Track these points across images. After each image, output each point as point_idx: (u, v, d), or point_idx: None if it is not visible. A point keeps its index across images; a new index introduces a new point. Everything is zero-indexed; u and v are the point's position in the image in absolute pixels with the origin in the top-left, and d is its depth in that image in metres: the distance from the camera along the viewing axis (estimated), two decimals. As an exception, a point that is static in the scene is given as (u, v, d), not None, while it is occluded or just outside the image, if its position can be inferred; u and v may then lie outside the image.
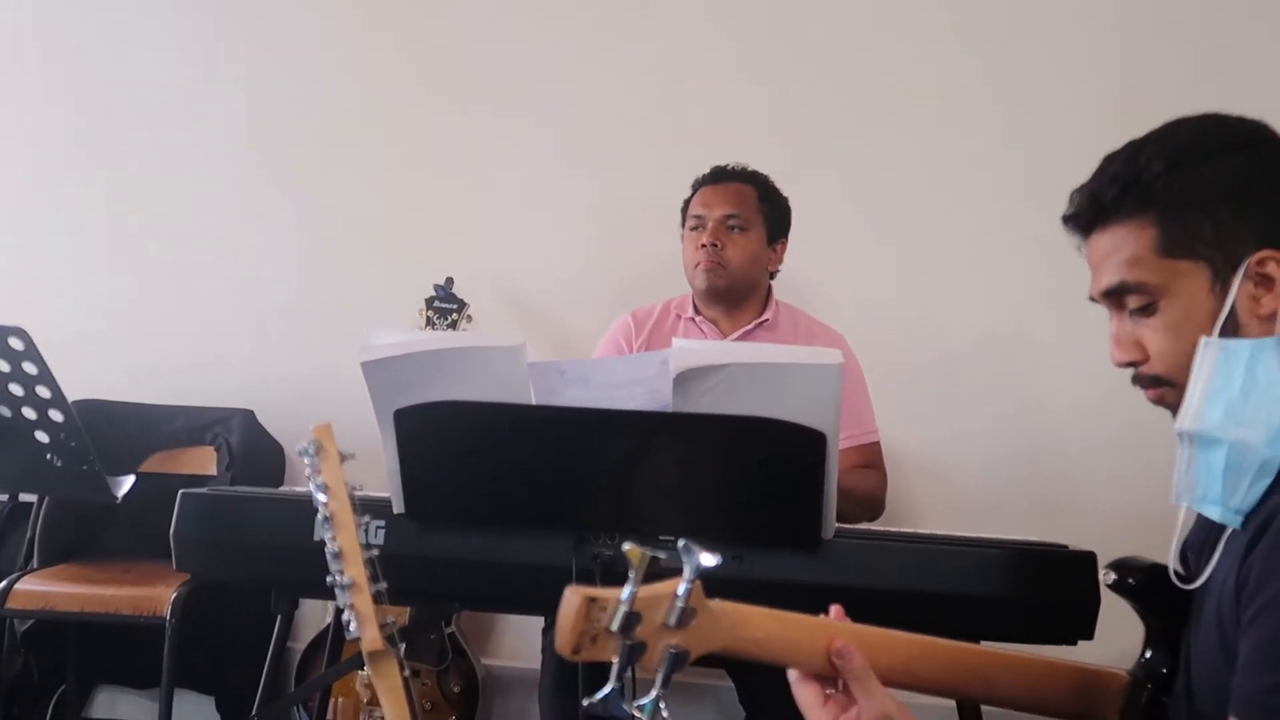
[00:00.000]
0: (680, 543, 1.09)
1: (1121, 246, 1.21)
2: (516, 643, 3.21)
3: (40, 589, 2.89)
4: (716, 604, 1.14)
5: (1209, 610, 1.20)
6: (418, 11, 3.27)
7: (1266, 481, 1.15)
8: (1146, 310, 1.21)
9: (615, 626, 1.08)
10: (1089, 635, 1.70)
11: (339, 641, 2.78)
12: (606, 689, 1.11)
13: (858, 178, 3.05)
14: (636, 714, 1.11)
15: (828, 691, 1.18)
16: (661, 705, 1.12)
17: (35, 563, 3.04)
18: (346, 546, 1.23)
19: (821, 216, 2.88)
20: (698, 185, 2.68)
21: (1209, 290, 1.18)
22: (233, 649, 3.04)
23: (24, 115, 3.47)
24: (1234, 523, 1.17)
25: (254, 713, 2.17)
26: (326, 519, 1.25)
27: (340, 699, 2.95)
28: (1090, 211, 1.24)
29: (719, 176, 2.66)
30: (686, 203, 2.68)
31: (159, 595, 2.80)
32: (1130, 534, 1.28)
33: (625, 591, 1.08)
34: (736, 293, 2.61)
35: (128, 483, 1.90)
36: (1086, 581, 1.66)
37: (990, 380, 2.98)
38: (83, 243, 3.44)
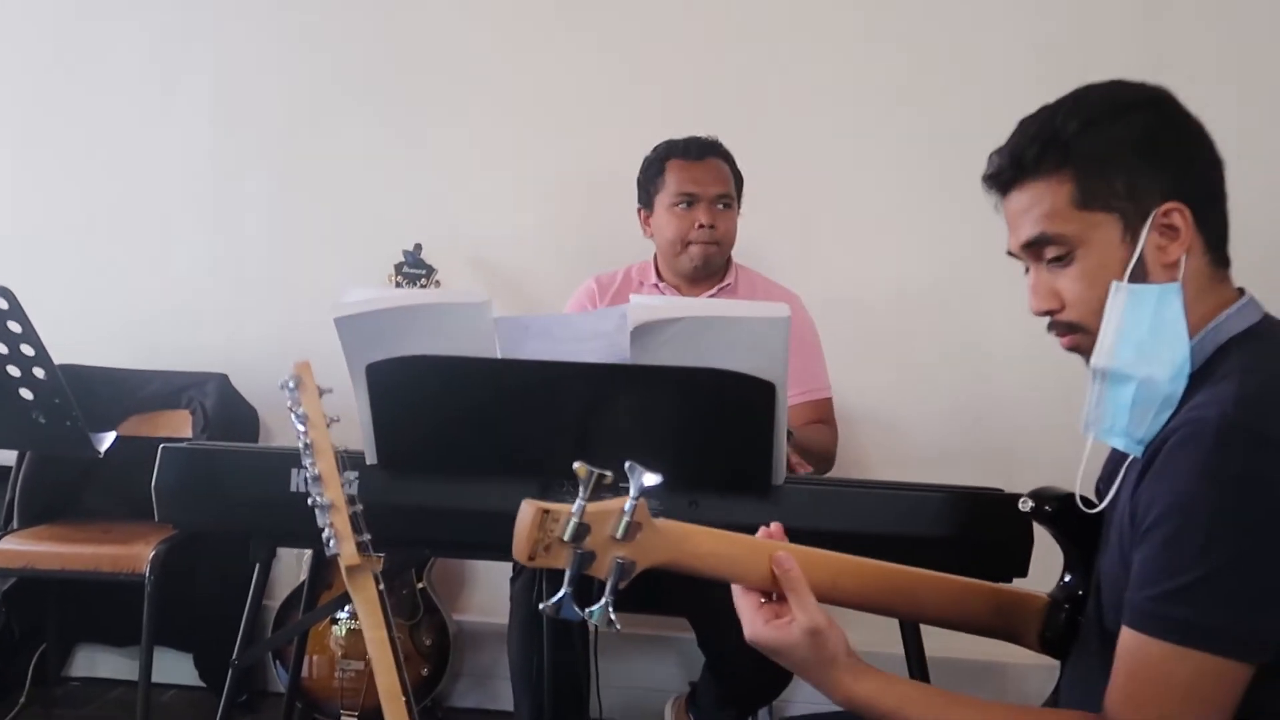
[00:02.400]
0: (626, 463, 1.18)
1: (1040, 201, 1.28)
2: (485, 598, 3.25)
3: (20, 548, 2.93)
4: (661, 521, 1.23)
5: (1113, 533, 1.28)
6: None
7: (1167, 414, 1.23)
8: (1063, 260, 1.28)
9: (567, 536, 1.18)
10: (1023, 573, 1.77)
11: (315, 592, 2.87)
12: (559, 594, 1.21)
13: (807, 147, 3.09)
14: (586, 617, 1.21)
15: (762, 600, 1.27)
16: (610, 610, 1.21)
17: (15, 523, 3.07)
18: (325, 471, 1.31)
19: (775, 184, 2.94)
20: (671, 155, 2.68)
21: (1120, 240, 1.25)
22: (210, 607, 3.06)
23: (1, 82, 3.47)
24: (1136, 452, 1.26)
25: (233, 657, 2.24)
26: (307, 445, 1.33)
27: (315, 656, 3.00)
28: (1011, 169, 1.31)
29: (703, 151, 2.67)
30: (656, 173, 2.69)
31: (138, 553, 2.84)
32: (1069, 475, 1.37)
33: (575, 504, 1.18)
34: (715, 267, 2.68)
35: (109, 439, 1.95)
36: (1020, 523, 1.71)
37: (934, 336, 3.06)
38: (59, 208, 3.44)
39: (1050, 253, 1.30)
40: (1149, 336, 1.24)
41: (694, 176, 2.64)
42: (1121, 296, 1.25)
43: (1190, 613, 1.13)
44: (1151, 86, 1.31)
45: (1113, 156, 1.25)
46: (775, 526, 1.33)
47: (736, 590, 1.29)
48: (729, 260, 2.75)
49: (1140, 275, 1.25)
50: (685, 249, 2.63)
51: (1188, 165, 1.27)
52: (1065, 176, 1.27)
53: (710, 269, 2.67)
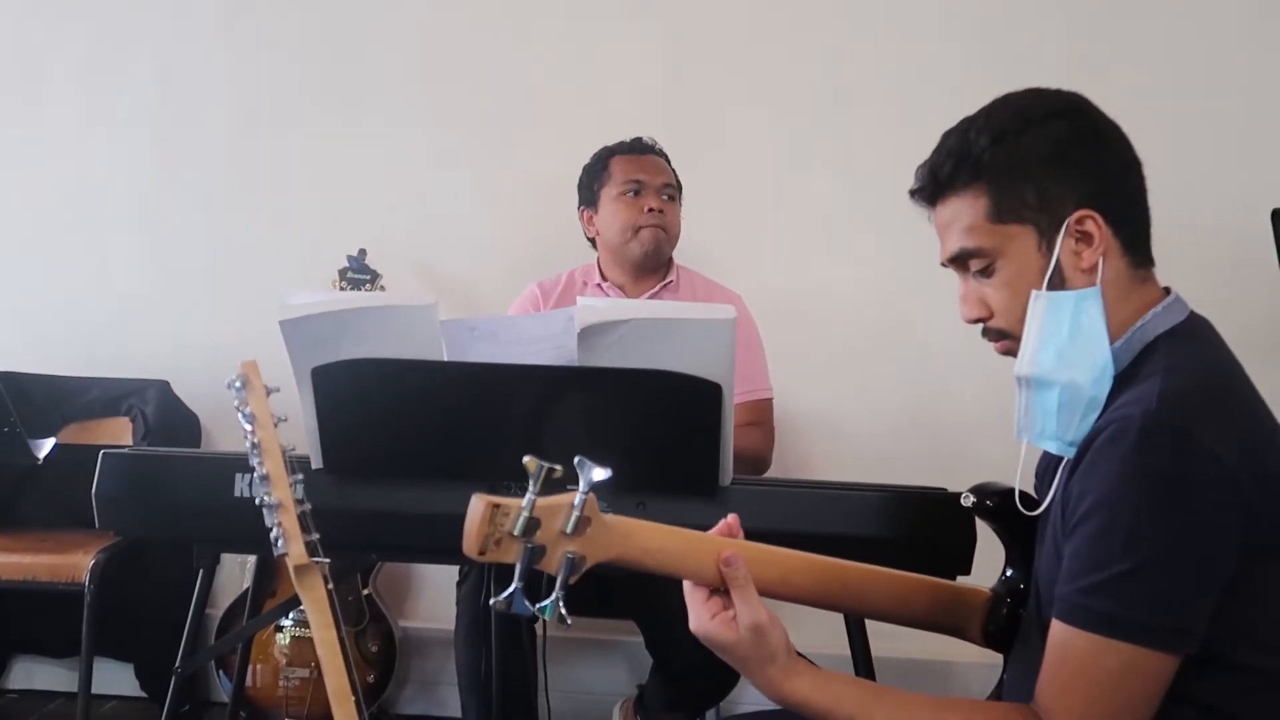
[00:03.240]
0: (576, 459, 1.19)
1: (960, 216, 1.32)
2: (431, 605, 3.24)
3: (-45, 558, 2.90)
4: (610, 517, 1.24)
5: (1047, 529, 1.31)
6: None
7: (1095, 415, 1.26)
8: (986, 272, 1.32)
9: (517, 531, 1.18)
10: (966, 570, 1.79)
11: (259, 599, 2.84)
12: (510, 589, 1.21)
13: (751, 153, 3.12)
14: (538, 612, 1.21)
15: (710, 594, 1.28)
16: (561, 605, 1.21)
17: (-51, 533, 3.03)
18: (273, 470, 1.30)
19: (718, 189, 2.98)
20: (615, 153, 2.74)
21: (1037, 250, 1.28)
22: (151, 616, 3.04)
23: None
24: (1069, 454, 1.28)
25: (176, 665, 2.21)
26: (254, 445, 1.32)
27: (259, 665, 2.98)
28: (931, 186, 1.34)
29: (647, 148, 2.75)
30: (600, 169, 2.74)
31: (77, 562, 2.80)
32: (1010, 475, 1.40)
33: (526, 498, 1.18)
34: (664, 256, 2.72)
35: (48, 445, 1.93)
36: (963, 521, 1.73)
37: (877, 340, 3.08)
38: None
39: (974, 265, 1.33)
40: (1069, 342, 1.27)
41: (640, 166, 2.71)
42: (1040, 304, 1.28)
43: (1115, 605, 1.16)
44: (1066, 94, 1.34)
45: (1022, 169, 1.28)
46: (733, 517, 1.34)
47: (687, 583, 1.30)
48: (670, 259, 2.79)
49: (1059, 282, 1.28)
50: (636, 234, 2.66)
51: (1099, 172, 1.29)
52: (980, 191, 1.30)
53: (659, 258, 2.71)
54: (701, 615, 1.27)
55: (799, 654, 1.28)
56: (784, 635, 1.26)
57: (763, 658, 1.25)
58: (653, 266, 2.73)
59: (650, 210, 2.65)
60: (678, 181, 2.75)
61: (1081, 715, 1.17)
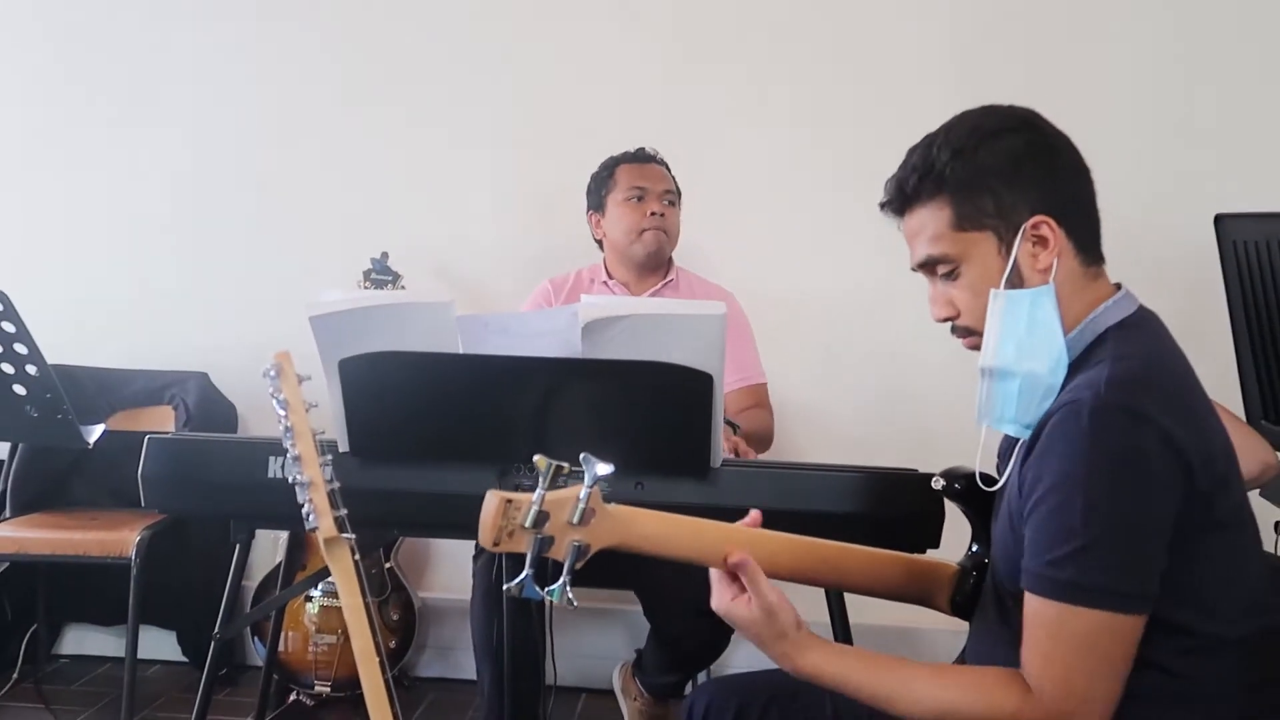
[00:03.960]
0: (582, 455, 1.21)
1: (925, 226, 1.34)
2: (448, 577, 3.24)
3: (13, 535, 2.90)
4: (613, 507, 1.27)
5: (1002, 504, 1.34)
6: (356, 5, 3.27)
7: (1050, 400, 1.28)
8: (952, 275, 1.34)
9: (528, 523, 1.21)
10: (935, 544, 1.81)
11: (291, 571, 2.87)
12: (521, 575, 1.23)
13: (745, 162, 3.12)
14: (547, 596, 1.23)
15: (731, 579, 1.32)
16: (568, 589, 1.24)
17: (7, 512, 3.05)
18: (305, 451, 1.32)
19: (716, 194, 2.99)
20: (619, 162, 2.77)
21: (997, 253, 1.30)
22: (192, 587, 3.06)
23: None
24: (1025, 435, 1.31)
25: (215, 631, 2.23)
26: (288, 429, 1.33)
27: (291, 632, 3.00)
28: (898, 199, 1.36)
29: (649, 158, 2.78)
30: (607, 177, 2.76)
31: (124, 538, 2.82)
32: (972, 456, 1.42)
33: (536, 494, 1.20)
34: (665, 256, 2.75)
35: (98, 431, 1.94)
36: (932, 500, 1.71)
37: (855, 335, 3.09)
38: (49, 217, 3.40)
39: (941, 269, 1.35)
40: (1026, 335, 1.29)
41: (643, 174, 2.73)
42: (1000, 302, 1.30)
43: (1077, 574, 1.18)
44: (1019, 110, 1.35)
45: (981, 181, 1.30)
46: (754, 514, 1.38)
47: (713, 569, 1.34)
48: (670, 260, 2.81)
49: (1017, 282, 1.30)
50: (639, 237, 2.69)
51: (1051, 181, 1.31)
52: (943, 202, 1.32)
53: (660, 258, 2.74)
54: (723, 596, 1.32)
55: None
56: (793, 614, 1.30)
57: (775, 634, 1.29)
58: (654, 266, 2.75)
59: (652, 214, 2.68)
60: (677, 188, 2.77)
61: (1064, 678, 1.19)
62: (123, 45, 3.35)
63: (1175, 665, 1.23)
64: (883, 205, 1.39)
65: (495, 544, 1.22)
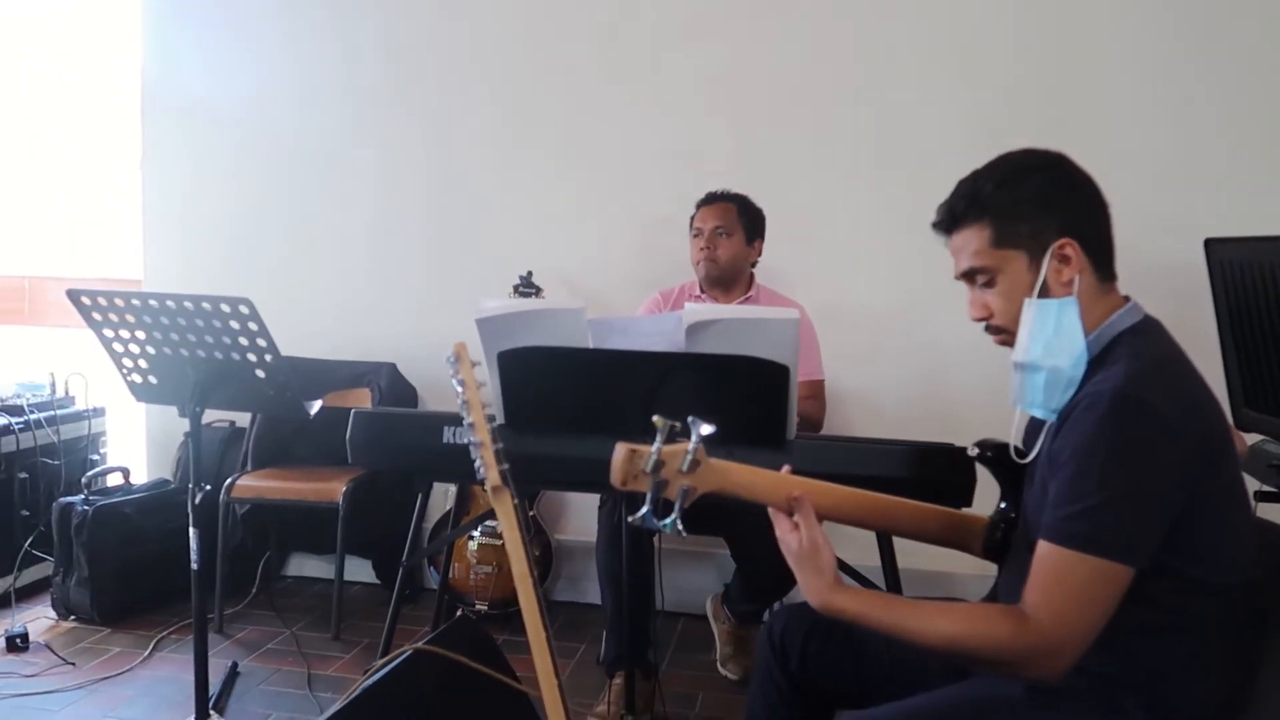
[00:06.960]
0: (690, 417, 1.21)
1: (969, 243, 1.31)
2: (579, 522, 3.25)
3: (253, 484, 3.03)
4: (714, 460, 1.27)
5: (1036, 474, 1.30)
6: (509, 59, 3.23)
7: (1073, 390, 1.25)
8: (989, 284, 1.31)
9: (648, 468, 1.21)
10: (969, 503, 1.76)
11: (459, 515, 2.93)
12: (643, 509, 1.24)
13: (815, 196, 3.06)
14: (662, 527, 1.24)
15: (790, 516, 1.31)
16: (679, 522, 1.24)
17: (249, 466, 3.16)
18: (476, 419, 1.34)
19: (791, 223, 2.93)
20: (698, 205, 2.74)
21: (1028, 268, 1.27)
22: (385, 527, 3.10)
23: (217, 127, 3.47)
24: (1051, 418, 1.28)
25: (402, 559, 2.29)
26: (464, 402, 1.36)
27: (458, 563, 3.04)
28: (948, 220, 1.33)
29: (711, 199, 2.73)
30: (691, 217, 2.75)
31: (334, 488, 2.92)
32: (1003, 433, 1.39)
33: (654, 445, 1.21)
34: (725, 278, 2.69)
35: (317, 405, 1.99)
36: (966, 466, 1.71)
37: (902, 335, 3.02)
38: (271, 239, 3.46)
39: (980, 279, 1.32)
40: (1054, 337, 1.26)
41: (702, 216, 2.71)
42: (1032, 309, 1.27)
43: (1088, 527, 1.15)
44: (1052, 152, 1.32)
45: (1018, 208, 1.27)
46: (786, 468, 1.37)
47: (774, 510, 1.33)
48: (752, 277, 2.76)
49: (1045, 293, 1.27)
50: (696, 265, 2.69)
51: (1076, 211, 1.28)
52: (985, 224, 1.29)
53: (713, 279, 2.69)
54: (783, 527, 1.31)
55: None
56: (833, 559, 1.29)
57: (816, 568, 1.28)
58: (715, 283, 2.70)
59: (702, 249, 2.66)
60: (739, 219, 2.68)
61: (1060, 611, 1.16)
62: (335, 84, 3.38)
63: (1175, 604, 1.20)
64: (934, 225, 1.36)
65: (623, 484, 1.23)
